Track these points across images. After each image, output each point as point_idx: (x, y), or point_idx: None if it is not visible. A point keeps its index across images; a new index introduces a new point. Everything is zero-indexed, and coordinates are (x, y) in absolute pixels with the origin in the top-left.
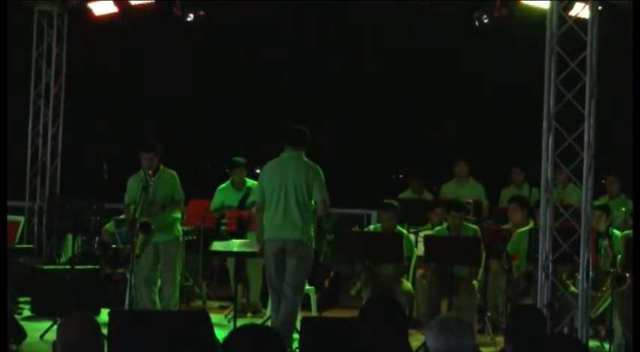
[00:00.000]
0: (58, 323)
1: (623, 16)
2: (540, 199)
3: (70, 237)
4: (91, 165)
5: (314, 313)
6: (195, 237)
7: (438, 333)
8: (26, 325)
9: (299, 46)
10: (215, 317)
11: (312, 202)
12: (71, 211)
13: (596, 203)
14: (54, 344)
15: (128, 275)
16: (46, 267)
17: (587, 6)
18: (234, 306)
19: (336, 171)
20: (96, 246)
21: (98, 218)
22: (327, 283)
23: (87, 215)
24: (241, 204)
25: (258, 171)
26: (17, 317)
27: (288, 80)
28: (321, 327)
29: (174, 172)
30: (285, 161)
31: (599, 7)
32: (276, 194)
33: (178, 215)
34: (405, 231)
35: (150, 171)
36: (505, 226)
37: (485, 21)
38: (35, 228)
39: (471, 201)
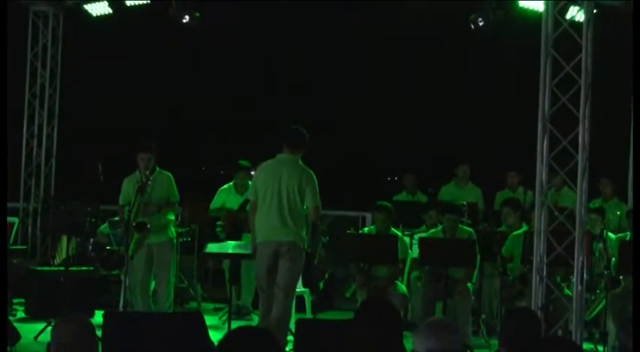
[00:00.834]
0: (52, 324)
1: (620, 18)
2: (535, 202)
3: (64, 238)
4: (86, 166)
5: (309, 315)
6: (190, 239)
7: (427, 334)
8: (20, 327)
9: (294, 46)
10: (209, 319)
11: (305, 207)
12: (66, 212)
13: (591, 206)
14: (48, 345)
15: (123, 277)
16: (40, 269)
17: (582, 9)
18: (228, 308)
19: (331, 173)
20: (90, 247)
21: (93, 219)
22: (321, 285)
23: (81, 216)
24: (241, 208)
25: (252, 173)
26: (11, 318)
27: (284, 81)
28: (315, 329)
29: (170, 174)
30: (280, 163)
31: (594, 10)
32: (269, 195)
33: (172, 217)
34: (399, 233)
35: (147, 172)
36: (500, 229)
37: (481, 24)
38: (29, 229)
39: (465, 203)
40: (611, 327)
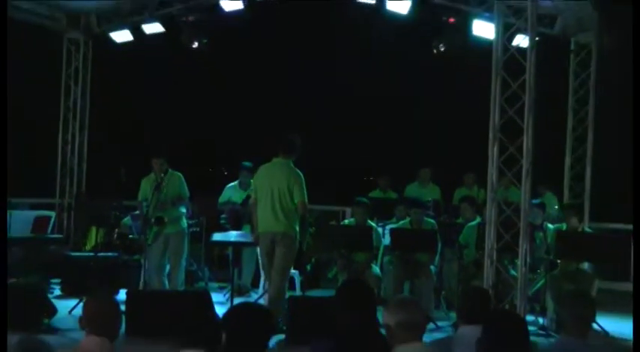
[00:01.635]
0: (83, 300)
1: (559, 44)
2: (487, 198)
3: (93, 229)
4: (111, 168)
5: (298, 292)
6: (198, 229)
7: (397, 309)
8: (57, 302)
9: (281, 56)
10: (215, 296)
11: (295, 202)
12: (94, 207)
13: (534, 201)
14: (80, 318)
15: (142, 261)
16: (73, 254)
17: (527, 37)
18: (231, 287)
19: (316, 174)
20: (115, 236)
21: (117, 213)
22: (309, 268)
23: (107, 210)
24: (245, 202)
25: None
26: (49, 295)
27: (276, 91)
28: (304, 304)
29: (180, 174)
30: (275, 166)
31: (537, 38)
32: (265, 193)
33: (184, 210)
34: (374, 225)
35: (162, 174)
36: (457, 220)
37: (442, 49)
38: (64, 221)
39: (430, 199)
40: (549, 303)
